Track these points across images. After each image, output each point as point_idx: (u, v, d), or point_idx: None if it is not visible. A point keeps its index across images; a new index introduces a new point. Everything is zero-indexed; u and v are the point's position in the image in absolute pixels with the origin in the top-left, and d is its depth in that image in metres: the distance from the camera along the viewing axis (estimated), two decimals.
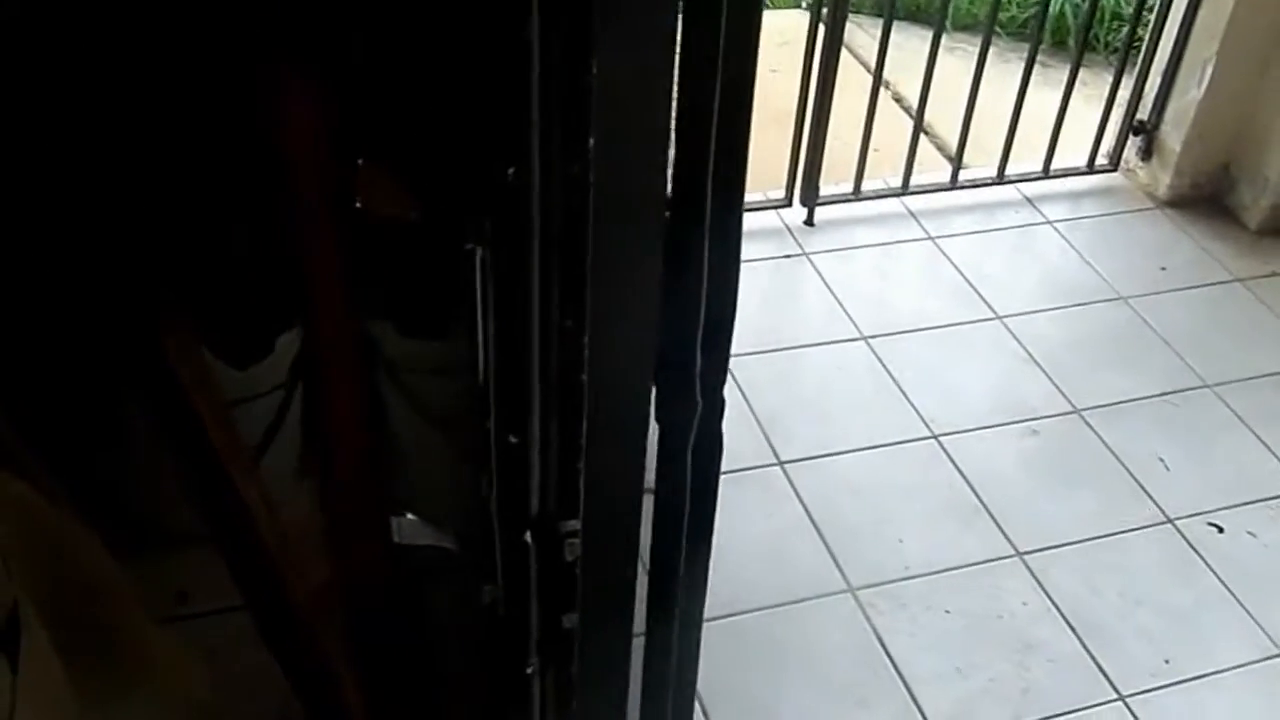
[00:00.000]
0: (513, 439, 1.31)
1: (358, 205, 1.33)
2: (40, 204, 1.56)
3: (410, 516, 1.59)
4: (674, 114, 1.23)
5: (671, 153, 1.29)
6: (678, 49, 1.19)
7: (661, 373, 1.45)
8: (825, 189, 4.07)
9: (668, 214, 1.31)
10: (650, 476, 1.57)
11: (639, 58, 1.15)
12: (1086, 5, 4.25)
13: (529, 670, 1.53)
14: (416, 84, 1.34)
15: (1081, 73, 4.21)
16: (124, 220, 1.59)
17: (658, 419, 1.51)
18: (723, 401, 1.58)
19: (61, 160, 1.51)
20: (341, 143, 1.29)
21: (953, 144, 4.29)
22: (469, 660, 1.93)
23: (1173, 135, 4.23)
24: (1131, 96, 4.29)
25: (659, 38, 1.16)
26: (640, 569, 1.58)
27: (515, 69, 1.09)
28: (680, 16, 1.17)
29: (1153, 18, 4.19)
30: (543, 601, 1.46)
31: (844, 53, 3.82)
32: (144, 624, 1.93)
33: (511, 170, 1.13)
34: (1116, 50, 5.06)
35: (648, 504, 1.57)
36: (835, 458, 3.30)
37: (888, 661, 2.82)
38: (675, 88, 1.21)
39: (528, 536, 1.39)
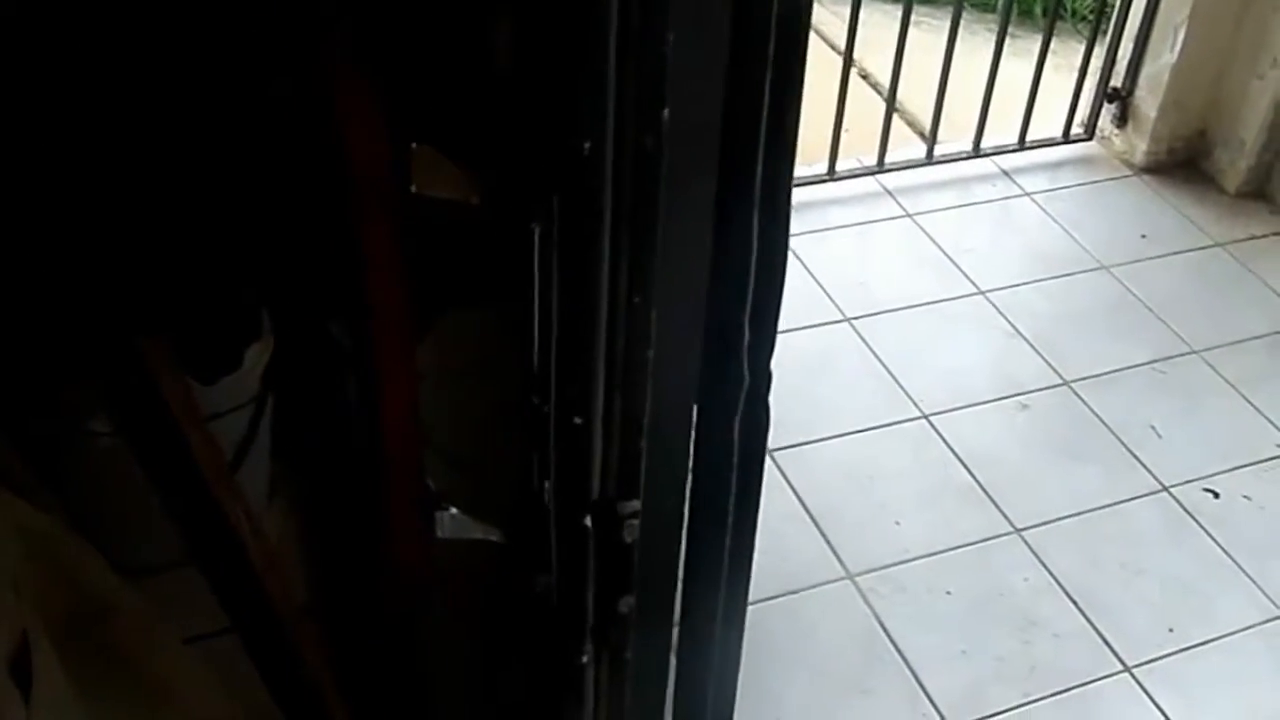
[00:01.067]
0: (577, 420, 1.30)
1: (413, 190, 1.31)
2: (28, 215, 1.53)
3: (454, 511, 1.55)
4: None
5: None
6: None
7: (708, 348, 1.43)
8: (798, 170, 4.02)
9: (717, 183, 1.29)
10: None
11: (703, 25, 1.13)
12: None
13: (584, 659, 1.51)
14: (480, 62, 1.31)
15: (1048, 41, 4.18)
16: (105, 230, 1.55)
17: (701, 396, 1.49)
18: (770, 375, 1.57)
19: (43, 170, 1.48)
20: (397, 125, 1.25)
21: (923, 120, 4.26)
22: (457, 669, 1.90)
23: (1147, 101, 4.21)
24: (1104, 64, 4.26)
25: (721, 5, 1.14)
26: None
27: (593, 40, 1.07)
28: None
29: None
30: (599, 587, 1.45)
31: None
32: (163, 645, 1.90)
33: (588, 144, 1.12)
34: (1084, 18, 5.05)
35: None
36: (825, 443, 3.26)
37: (891, 647, 2.79)
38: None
39: (587, 520, 1.38)
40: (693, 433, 1.49)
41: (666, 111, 1.12)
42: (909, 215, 4.05)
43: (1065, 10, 5.26)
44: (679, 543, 1.56)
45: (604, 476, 1.35)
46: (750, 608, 2.78)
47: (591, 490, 1.36)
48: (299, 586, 2.11)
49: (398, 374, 1.41)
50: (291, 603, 1.97)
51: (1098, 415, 3.37)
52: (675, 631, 1.70)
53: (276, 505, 2.43)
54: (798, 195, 3.94)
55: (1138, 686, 2.75)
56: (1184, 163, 4.29)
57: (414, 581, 1.60)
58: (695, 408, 1.49)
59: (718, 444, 1.56)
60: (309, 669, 1.99)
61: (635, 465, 1.36)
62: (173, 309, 1.75)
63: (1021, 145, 4.32)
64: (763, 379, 1.55)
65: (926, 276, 3.82)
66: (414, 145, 1.29)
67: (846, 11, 3.89)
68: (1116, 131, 4.33)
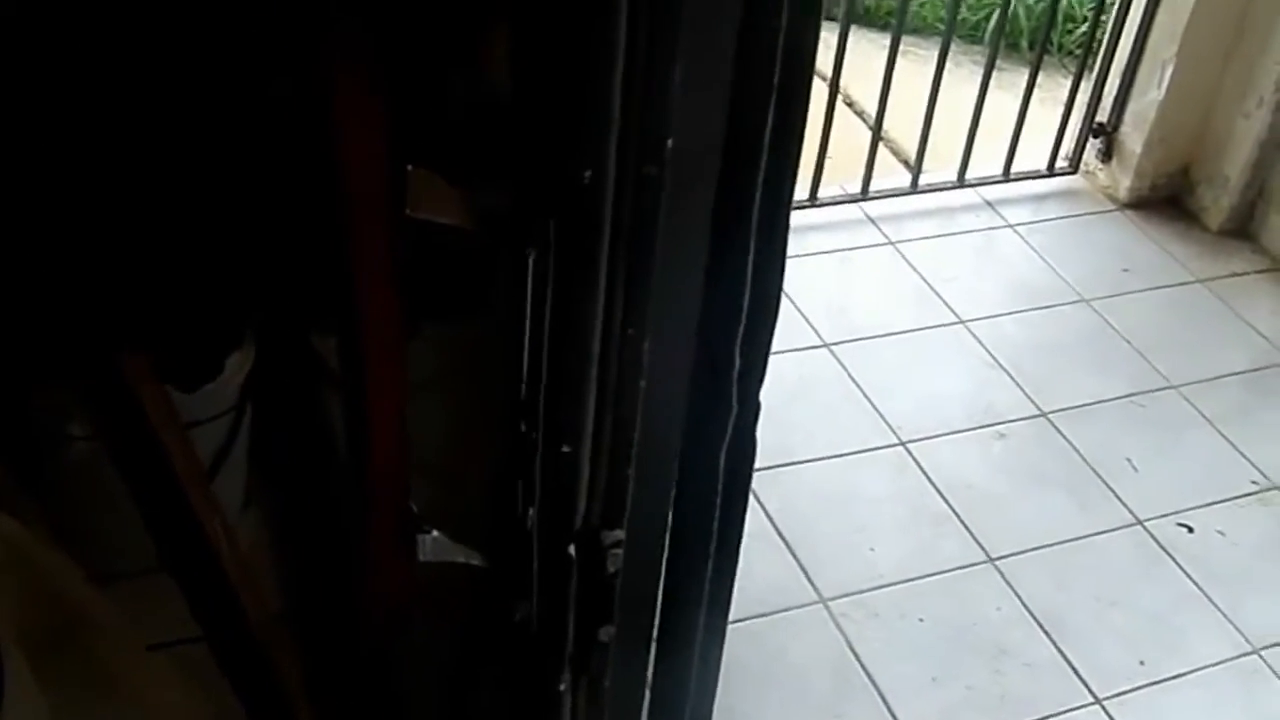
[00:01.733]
0: (565, 449, 1.29)
1: (408, 213, 1.30)
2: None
3: (436, 534, 1.55)
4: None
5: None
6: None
7: (697, 375, 1.42)
8: None
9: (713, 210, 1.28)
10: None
11: (709, 56, 1.13)
12: (1044, 7, 4.24)
13: (561, 687, 1.50)
14: (481, 85, 1.30)
15: (1035, 75, 4.20)
16: (87, 236, 1.55)
17: (689, 424, 1.48)
18: (759, 405, 1.56)
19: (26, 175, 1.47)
20: (395, 144, 1.25)
21: (908, 149, 4.27)
22: (433, 688, 1.89)
23: (1133, 137, 4.23)
24: (1091, 98, 4.28)
25: (727, 35, 1.14)
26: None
27: (598, 67, 1.06)
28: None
29: (1111, 19, 4.19)
30: (580, 615, 1.44)
31: None
32: (137, 656, 1.89)
33: (589, 173, 1.11)
34: (1071, 53, 5.07)
35: None
36: (801, 466, 3.26)
37: (862, 672, 2.79)
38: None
39: (571, 549, 1.37)
40: (678, 461, 1.48)
41: (671, 142, 1.11)
42: (891, 243, 4.06)
43: (1052, 44, 5.28)
44: (659, 571, 1.55)
45: (589, 505, 1.34)
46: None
47: (576, 519, 1.35)
48: (272, 595, 2.10)
49: (387, 392, 1.40)
50: (264, 612, 1.96)
51: (1074, 447, 3.38)
52: (653, 657, 1.69)
53: (251, 513, 2.43)
54: None
55: (1108, 718, 2.76)
56: (1167, 199, 4.31)
57: (394, 604, 1.60)
58: (681, 436, 1.47)
59: (703, 473, 1.55)
60: (280, 679, 1.99)
61: (621, 495, 1.35)
62: (156, 322, 1.74)
63: (1006, 177, 4.33)
64: (751, 409, 1.54)
65: (907, 304, 3.83)
66: (410, 167, 1.29)
67: (834, 38, 3.90)
68: (1101, 166, 4.35)
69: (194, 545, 1.84)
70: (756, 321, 1.45)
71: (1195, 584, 3.06)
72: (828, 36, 3.93)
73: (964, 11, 5.42)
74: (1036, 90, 4.23)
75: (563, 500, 1.34)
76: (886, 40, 3.99)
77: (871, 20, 5.27)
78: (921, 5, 5.52)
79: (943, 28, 4.09)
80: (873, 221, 4.15)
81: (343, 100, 1.20)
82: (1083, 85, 4.29)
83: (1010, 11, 4.88)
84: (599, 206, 1.14)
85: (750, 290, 1.40)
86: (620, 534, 1.37)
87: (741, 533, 1.71)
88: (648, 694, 1.73)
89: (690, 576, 1.66)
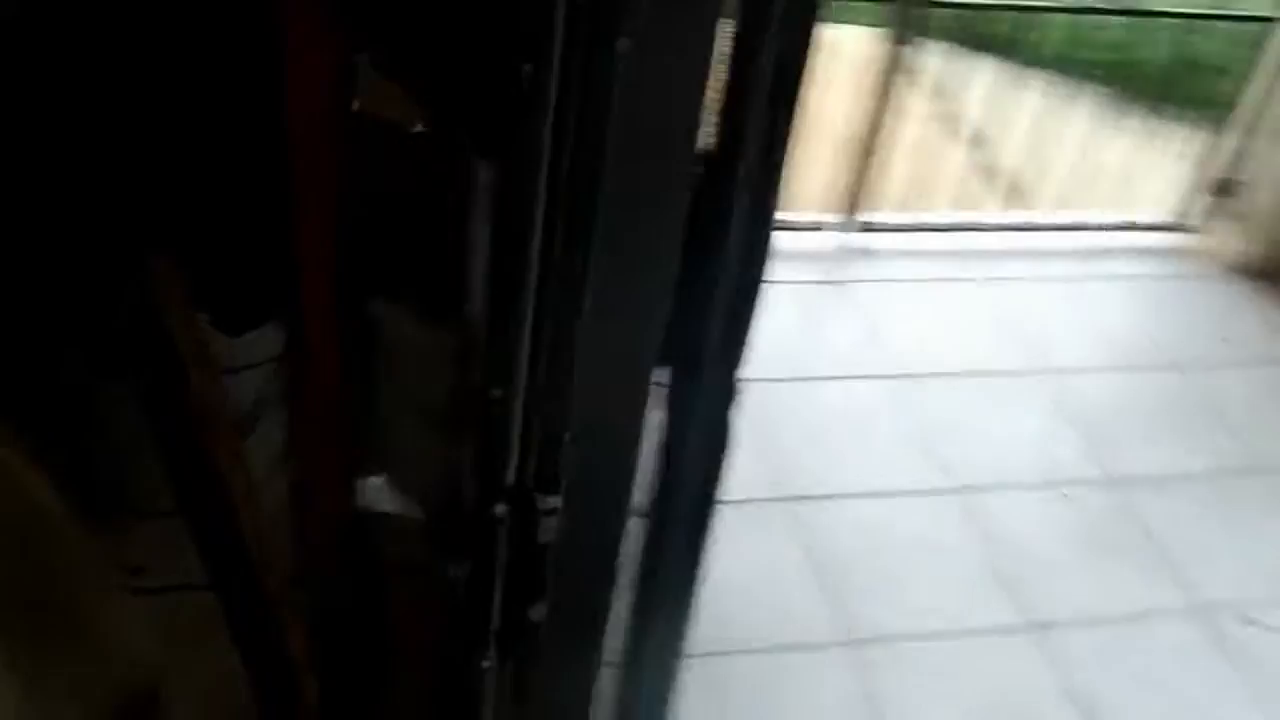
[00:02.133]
0: (496, 392, 1.22)
1: (355, 107, 1.22)
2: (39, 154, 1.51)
3: (377, 480, 1.48)
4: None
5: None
6: None
7: (674, 349, 1.33)
8: (878, 217, 3.96)
9: (701, 169, 1.21)
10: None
11: None
12: (1169, 51, 4.07)
13: (485, 664, 1.43)
14: None
15: (1153, 123, 4.04)
16: (124, 171, 1.55)
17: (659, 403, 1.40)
18: (735, 388, 1.46)
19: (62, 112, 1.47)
20: (342, 33, 1.19)
21: (1019, 185, 4.17)
22: (425, 655, 1.82)
23: (1257, 199, 4.08)
24: (1214, 154, 4.14)
25: None
26: None
27: None
28: None
29: (1250, 74, 4.03)
30: (509, 586, 1.37)
31: (909, 78, 3.64)
32: (97, 588, 1.86)
33: (528, 66, 1.04)
34: (1203, 105, 4.88)
35: None
36: (847, 500, 3.18)
37: None
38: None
39: (499, 509, 1.30)
40: (640, 439, 1.39)
41: (623, 42, 1.02)
42: (983, 280, 3.97)
43: (1177, 93, 5.11)
44: (613, 557, 1.46)
45: (523, 463, 1.27)
46: (737, 655, 2.69)
47: (506, 475, 1.27)
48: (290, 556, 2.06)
49: (326, 309, 1.36)
50: (277, 572, 1.92)
51: (1142, 519, 3.24)
52: (599, 657, 1.60)
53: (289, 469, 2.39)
54: (874, 241, 3.82)
55: None
56: None
57: (328, 537, 1.53)
58: (655, 415, 1.39)
59: (671, 454, 1.46)
60: (285, 641, 1.95)
61: (556, 454, 1.27)
62: (185, 227, 1.71)
63: (1111, 225, 4.22)
64: (728, 388, 1.44)
65: (988, 345, 3.73)
66: (358, 56, 1.20)
67: (958, 65, 3.78)
68: (1215, 226, 4.19)
69: (212, 494, 1.83)
70: (740, 290, 1.35)
71: (1248, 683, 2.90)
72: (942, 56, 3.82)
73: (1090, 51, 5.24)
74: (1161, 141, 4.07)
75: (493, 450, 1.26)
76: (1005, 68, 3.85)
77: (992, 46, 5.10)
78: (1042, 36, 5.34)
79: (1064, 63, 3.94)
80: (967, 254, 4.07)
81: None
82: (1210, 140, 4.16)
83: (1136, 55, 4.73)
84: (540, 105, 1.06)
85: (735, 252, 1.31)
86: (556, 500, 1.30)
87: (709, 529, 1.60)
88: (589, 695, 1.64)
89: (652, 569, 1.57)
